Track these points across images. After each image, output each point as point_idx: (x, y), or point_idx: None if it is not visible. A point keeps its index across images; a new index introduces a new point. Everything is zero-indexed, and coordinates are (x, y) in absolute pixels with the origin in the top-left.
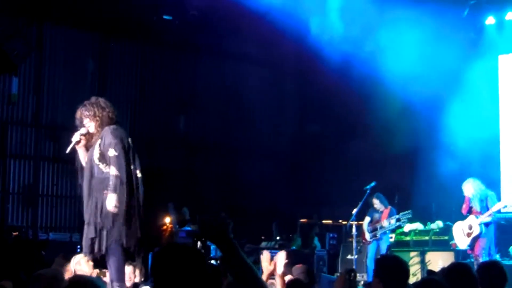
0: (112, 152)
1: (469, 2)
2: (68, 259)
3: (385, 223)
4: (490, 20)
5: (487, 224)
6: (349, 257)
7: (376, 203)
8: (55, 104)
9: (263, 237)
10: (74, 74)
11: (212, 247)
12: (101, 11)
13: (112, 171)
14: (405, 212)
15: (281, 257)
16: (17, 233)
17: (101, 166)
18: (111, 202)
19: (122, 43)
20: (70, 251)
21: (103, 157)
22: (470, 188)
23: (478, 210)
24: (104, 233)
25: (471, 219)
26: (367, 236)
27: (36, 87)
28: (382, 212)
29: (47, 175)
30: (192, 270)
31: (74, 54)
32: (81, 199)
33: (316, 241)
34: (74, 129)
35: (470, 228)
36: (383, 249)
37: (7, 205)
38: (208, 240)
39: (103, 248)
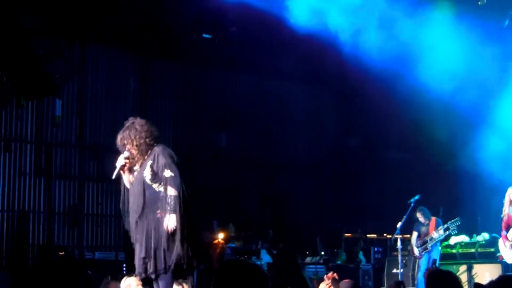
0: (168, 173)
1: (509, 12)
2: (115, 279)
3: (434, 234)
4: None
5: None
6: (394, 271)
7: (420, 216)
8: (98, 125)
9: (307, 252)
10: (116, 93)
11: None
12: (141, 30)
13: (171, 191)
14: (453, 220)
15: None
16: (63, 252)
17: (154, 186)
18: (172, 222)
19: (163, 61)
20: (116, 270)
21: (155, 177)
22: None
23: None
24: (161, 254)
25: None
26: (416, 251)
27: (79, 108)
28: (428, 224)
29: (92, 195)
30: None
31: (116, 74)
32: (123, 219)
33: (361, 256)
34: (117, 149)
35: None
36: (433, 260)
37: (53, 225)
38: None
39: (161, 269)
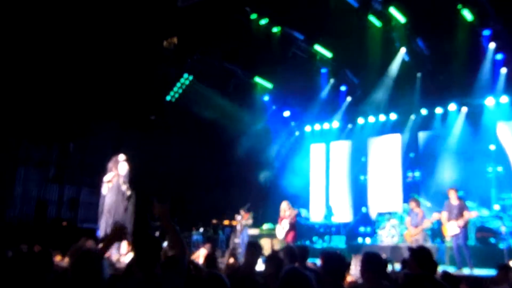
0: (126, 185)
1: (296, 121)
2: (88, 239)
3: (246, 222)
4: (307, 128)
5: (292, 224)
6: (235, 241)
7: (242, 212)
8: (94, 157)
9: (194, 227)
10: (104, 144)
11: None
12: (120, 116)
13: (129, 193)
14: (250, 215)
15: (203, 252)
16: (66, 223)
17: (124, 189)
18: (129, 209)
19: (131, 132)
20: (93, 234)
21: (124, 185)
22: (285, 205)
23: (287, 216)
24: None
25: (283, 222)
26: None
27: (84, 149)
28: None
29: (86, 193)
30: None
31: (103, 139)
32: (100, 206)
33: (220, 232)
34: (103, 169)
35: (284, 227)
36: (247, 235)
37: (61, 208)
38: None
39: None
